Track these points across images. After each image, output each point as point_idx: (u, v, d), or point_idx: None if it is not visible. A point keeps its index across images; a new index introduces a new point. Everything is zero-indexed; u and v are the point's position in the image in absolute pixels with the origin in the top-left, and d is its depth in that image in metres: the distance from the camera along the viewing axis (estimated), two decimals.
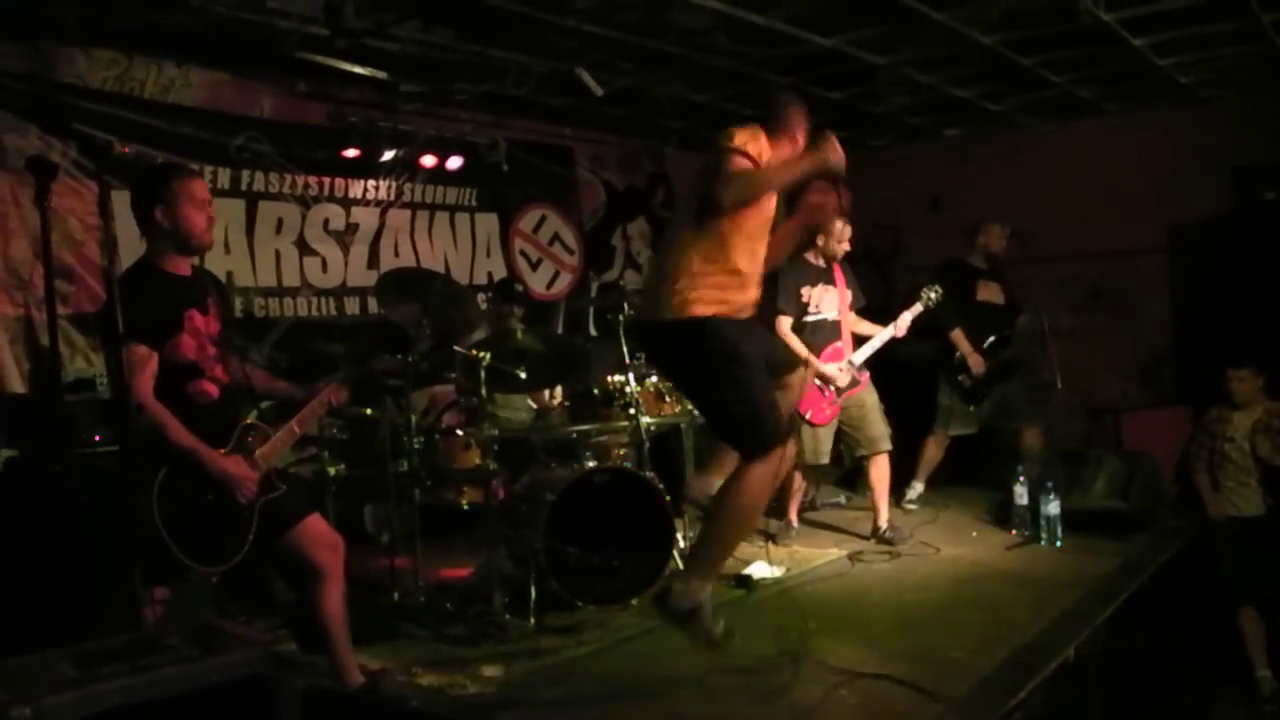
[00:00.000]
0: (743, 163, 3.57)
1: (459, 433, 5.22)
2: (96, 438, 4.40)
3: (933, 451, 6.99)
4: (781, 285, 6.10)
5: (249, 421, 3.68)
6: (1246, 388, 6.17)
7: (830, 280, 6.14)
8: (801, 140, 3.91)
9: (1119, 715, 4.34)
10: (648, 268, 3.80)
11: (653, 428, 5.39)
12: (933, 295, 6.29)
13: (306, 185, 6.62)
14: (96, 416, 4.49)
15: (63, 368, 4.75)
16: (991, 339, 6.78)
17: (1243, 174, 7.62)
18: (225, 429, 3.61)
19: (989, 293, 6.93)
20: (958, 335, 6.68)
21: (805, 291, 6.06)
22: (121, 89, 5.71)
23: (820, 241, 6.08)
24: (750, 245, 3.77)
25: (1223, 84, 7.58)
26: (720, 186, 3.53)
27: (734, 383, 3.66)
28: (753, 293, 3.85)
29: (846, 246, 6.10)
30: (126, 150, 5.39)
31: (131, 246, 5.50)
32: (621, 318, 5.54)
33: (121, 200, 5.61)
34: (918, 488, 6.98)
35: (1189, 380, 7.67)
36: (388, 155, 6.79)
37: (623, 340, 5.42)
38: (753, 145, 3.65)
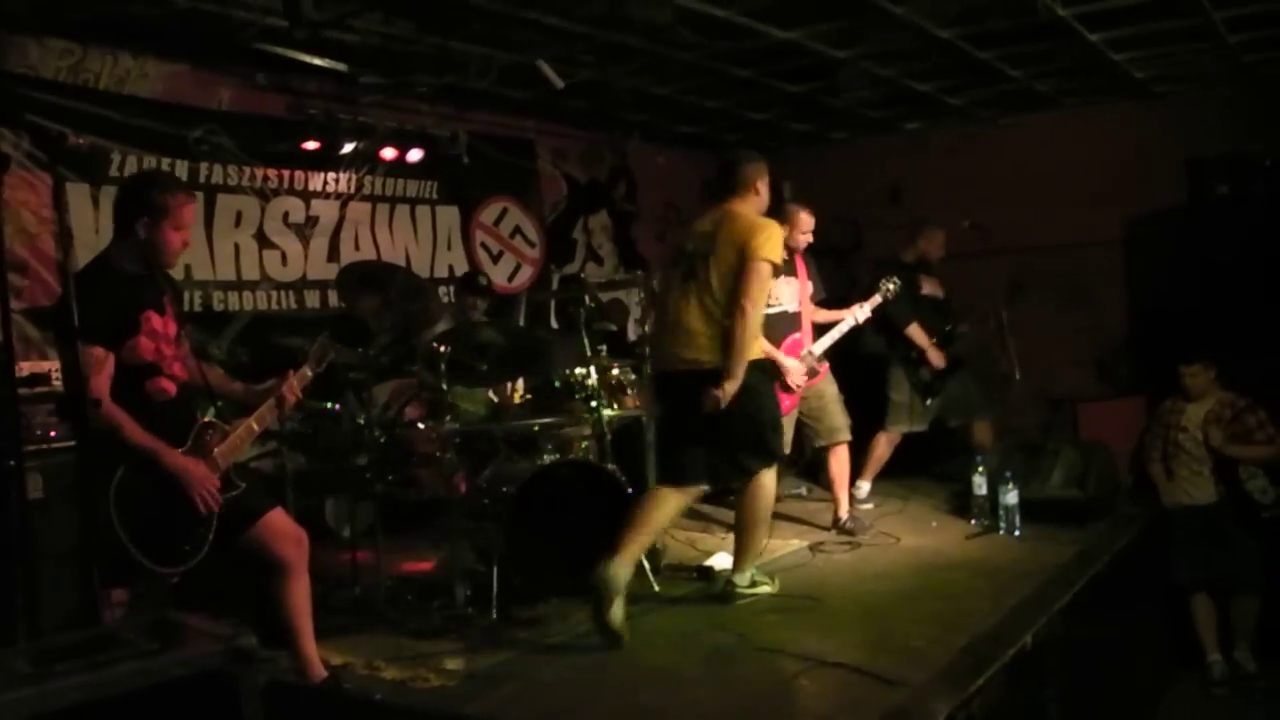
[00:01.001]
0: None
1: (420, 426, 5.20)
2: (52, 433, 4.35)
3: (884, 449, 6.88)
4: None
5: (207, 420, 3.65)
6: (1199, 381, 6.28)
7: (791, 272, 6.15)
8: (764, 191, 4.82)
9: (1076, 700, 4.40)
10: (682, 320, 4.59)
11: (614, 420, 5.40)
12: (891, 286, 6.32)
13: (266, 178, 6.56)
14: (51, 411, 4.44)
15: (16, 362, 4.68)
16: (948, 329, 6.83)
17: (1197, 168, 7.73)
18: (183, 427, 3.59)
19: (931, 286, 6.96)
20: (915, 330, 6.68)
21: None
22: (76, 80, 5.62)
23: (784, 231, 6.10)
24: None
25: (1177, 79, 7.69)
26: (752, 303, 4.46)
27: (770, 408, 4.75)
28: None
29: (810, 238, 6.12)
30: (81, 142, 5.34)
31: (86, 239, 5.47)
32: (583, 310, 5.53)
33: (76, 193, 5.59)
34: (864, 486, 6.86)
35: (1145, 371, 7.78)
36: (348, 148, 6.73)
37: (584, 332, 5.41)
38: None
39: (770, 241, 4.49)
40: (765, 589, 4.82)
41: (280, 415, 3.95)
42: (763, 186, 4.83)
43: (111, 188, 5.69)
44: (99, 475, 3.31)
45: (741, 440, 4.57)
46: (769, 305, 6.03)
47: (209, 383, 3.82)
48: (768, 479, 4.73)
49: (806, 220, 6.07)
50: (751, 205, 4.76)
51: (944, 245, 7.06)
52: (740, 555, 4.83)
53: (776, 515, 6.61)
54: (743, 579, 4.80)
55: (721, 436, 4.53)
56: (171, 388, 3.60)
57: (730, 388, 4.40)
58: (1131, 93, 7.96)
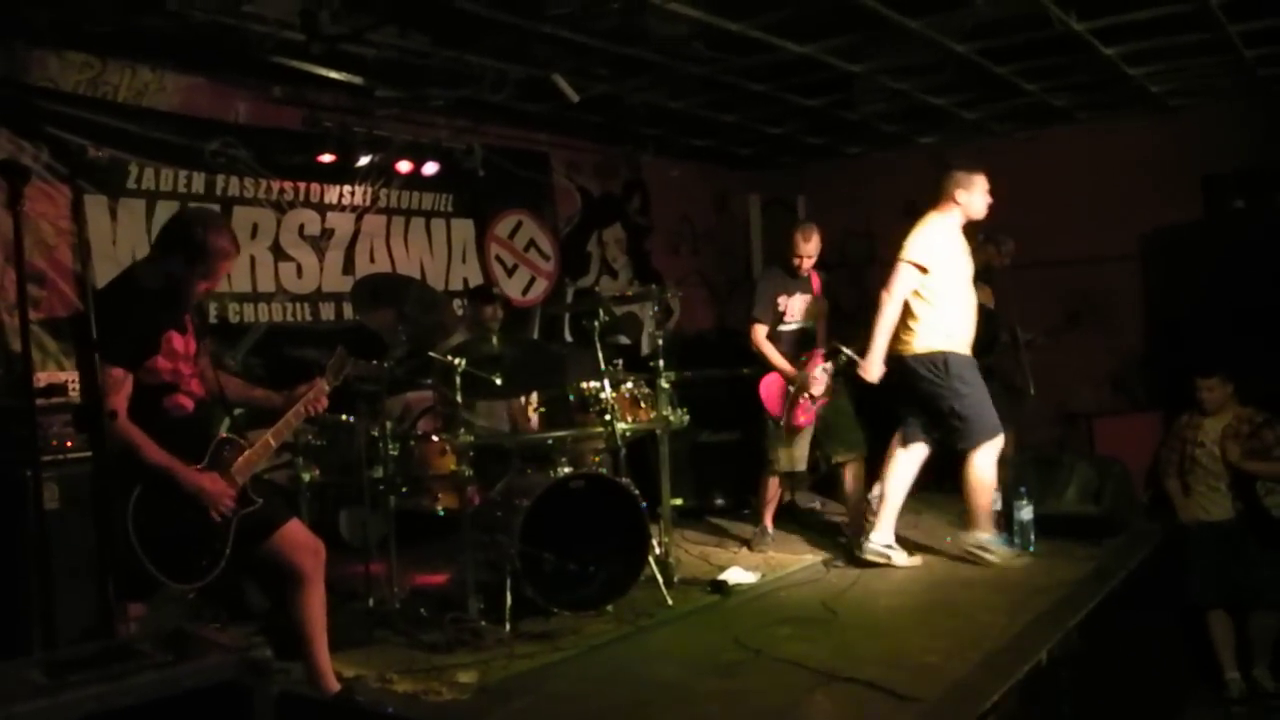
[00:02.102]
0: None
1: (434, 439, 5.20)
2: (69, 444, 4.37)
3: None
4: (757, 293, 6.14)
5: (224, 435, 3.67)
6: (1216, 395, 6.24)
7: (806, 289, 6.17)
8: (965, 199, 5.50)
9: (1092, 717, 4.37)
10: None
11: (628, 433, 5.39)
12: None
13: (282, 190, 6.59)
14: (68, 422, 4.45)
15: (34, 373, 4.70)
16: (988, 341, 6.77)
17: (1213, 183, 7.71)
18: (201, 442, 3.61)
19: (981, 295, 6.92)
20: None
21: (781, 300, 6.09)
22: (95, 92, 5.66)
23: (798, 254, 6.10)
24: None
25: (1193, 93, 7.67)
26: (888, 295, 5.48)
27: (946, 396, 5.52)
28: None
29: (809, 259, 6.12)
30: (100, 155, 5.37)
31: (104, 251, 5.51)
32: (598, 323, 5.53)
33: (94, 204, 5.63)
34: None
35: (1160, 386, 7.74)
36: (363, 160, 6.76)
37: (598, 346, 5.41)
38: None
39: (910, 242, 5.40)
40: (993, 557, 5.48)
41: (310, 415, 3.95)
42: (964, 194, 5.49)
43: (129, 200, 5.75)
44: (117, 491, 3.32)
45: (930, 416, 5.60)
46: (786, 322, 6.08)
47: (226, 395, 3.83)
48: (978, 457, 5.46)
49: (799, 245, 6.07)
50: (949, 214, 5.54)
51: (1011, 253, 6.99)
52: (968, 516, 5.60)
53: (792, 530, 6.67)
54: (970, 539, 5.57)
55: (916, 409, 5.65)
56: (189, 404, 3.63)
57: (867, 365, 5.43)
58: (1148, 107, 7.94)
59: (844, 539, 6.22)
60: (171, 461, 3.46)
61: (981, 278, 6.88)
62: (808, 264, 6.14)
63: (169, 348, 3.56)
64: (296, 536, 3.72)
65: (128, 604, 3.48)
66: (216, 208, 6.10)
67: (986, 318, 6.84)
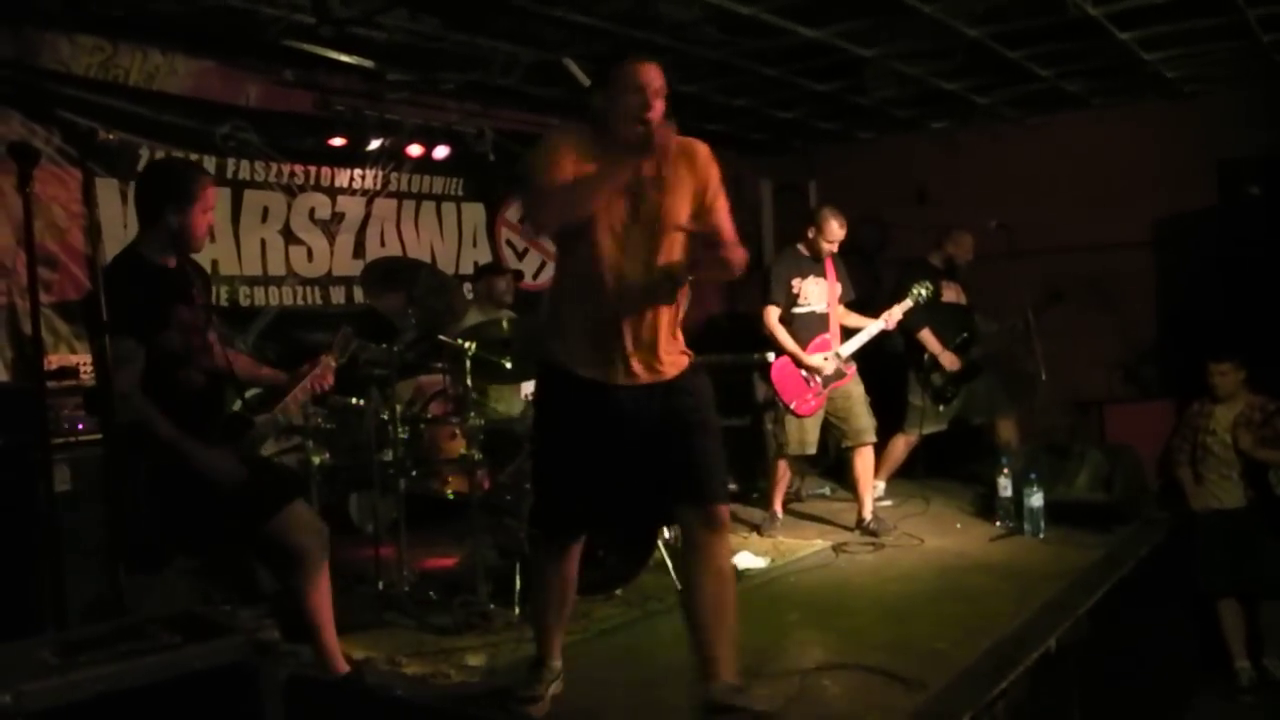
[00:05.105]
0: None
1: (445, 423, 5.20)
2: (80, 425, 4.39)
3: (900, 451, 6.93)
4: (772, 275, 6.12)
5: (234, 411, 3.68)
6: (1228, 381, 6.21)
7: (820, 273, 6.15)
8: None
9: (1100, 705, 4.37)
10: None
11: None
12: (923, 292, 6.26)
13: (292, 174, 6.59)
14: (79, 405, 4.48)
15: (45, 355, 4.73)
16: (964, 336, 6.78)
17: (1228, 168, 7.64)
18: (212, 417, 3.62)
19: (951, 293, 6.93)
20: (927, 335, 6.66)
21: (795, 283, 6.07)
22: (106, 76, 5.66)
23: (810, 235, 6.08)
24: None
25: (1209, 79, 7.61)
26: None
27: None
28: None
29: (834, 247, 6.10)
30: (111, 138, 5.38)
31: (115, 234, 5.51)
32: None
33: (106, 188, 5.64)
34: (880, 486, 6.84)
35: (1172, 374, 7.71)
36: (374, 144, 6.77)
37: None
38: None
39: None
40: None
41: (317, 390, 3.97)
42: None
43: None
44: (127, 465, 3.33)
45: None
46: (799, 305, 6.07)
47: (235, 372, 3.84)
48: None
49: (838, 229, 6.02)
50: None
51: (972, 249, 7.02)
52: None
53: (799, 515, 6.69)
54: None
55: None
56: (200, 378, 3.63)
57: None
58: (1162, 92, 7.89)
59: (854, 525, 6.21)
60: (183, 436, 3.47)
61: (947, 274, 6.90)
62: (830, 248, 6.10)
63: (179, 320, 3.57)
64: (301, 517, 3.72)
65: (138, 576, 3.50)
66: (227, 191, 6.12)
67: (955, 315, 6.85)
